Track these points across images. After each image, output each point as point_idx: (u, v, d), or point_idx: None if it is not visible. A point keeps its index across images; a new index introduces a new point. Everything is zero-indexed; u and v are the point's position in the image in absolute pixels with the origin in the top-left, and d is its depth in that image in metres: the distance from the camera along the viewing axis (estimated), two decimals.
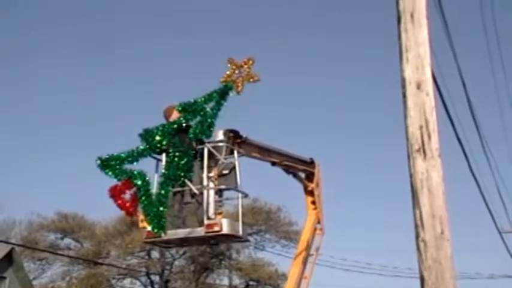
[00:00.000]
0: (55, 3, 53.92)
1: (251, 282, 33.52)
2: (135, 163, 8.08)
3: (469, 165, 10.10)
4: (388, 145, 46.27)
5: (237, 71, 8.41)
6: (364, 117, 52.78)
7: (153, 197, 7.89)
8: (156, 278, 32.93)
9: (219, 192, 8.20)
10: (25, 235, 33.05)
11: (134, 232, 27.90)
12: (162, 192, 7.90)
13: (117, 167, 7.92)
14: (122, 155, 8.01)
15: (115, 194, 7.81)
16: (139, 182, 7.89)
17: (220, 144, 8.29)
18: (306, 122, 52.75)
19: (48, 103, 51.44)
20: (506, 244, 19.82)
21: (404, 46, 4.52)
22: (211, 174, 8.07)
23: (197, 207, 8.04)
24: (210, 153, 8.11)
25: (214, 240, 8.64)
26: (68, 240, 34.30)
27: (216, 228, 7.82)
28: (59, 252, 32.14)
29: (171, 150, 8.08)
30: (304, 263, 11.40)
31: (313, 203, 11.81)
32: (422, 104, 4.38)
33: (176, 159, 7.98)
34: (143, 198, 7.85)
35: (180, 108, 8.42)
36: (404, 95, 4.47)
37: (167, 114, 8.47)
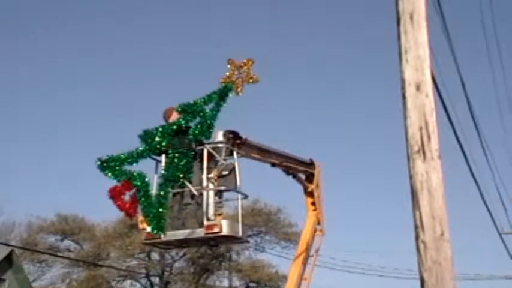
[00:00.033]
0: (55, 4, 53.98)
1: (251, 284, 33.51)
2: (134, 164, 8.09)
3: (469, 167, 10.11)
4: (388, 146, 46.27)
5: (236, 72, 8.42)
6: (364, 118, 52.78)
7: (153, 198, 7.89)
8: (156, 280, 32.93)
9: (218, 194, 8.20)
10: (25, 237, 33.02)
11: (134, 234, 27.88)
12: (162, 193, 7.90)
13: (117, 168, 7.92)
14: (122, 156, 8.01)
15: (115, 195, 7.81)
16: (138, 183, 7.89)
17: (220, 145, 8.29)
18: (306, 122, 52.77)
19: (48, 104, 51.48)
20: (506, 245, 19.84)
21: (404, 47, 4.52)
22: (210, 176, 8.07)
23: (197, 208, 8.04)
24: (209, 154, 8.10)
25: (214, 241, 8.65)
26: (67, 242, 34.32)
27: (216, 230, 7.82)
28: (59, 254, 32.13)
29: (170, 151, 8.08)
30: (304, 264, 11.40)
31: (313, 204, 11.81)
32: (422, 106, 4.38)
33: (176, 160, 7.98)
34: (143, 199, 7.85)
35: (179, 109, 8.43)
36: (404, 96, 4.47)
37: (167, 115, 8.48)
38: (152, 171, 8.25)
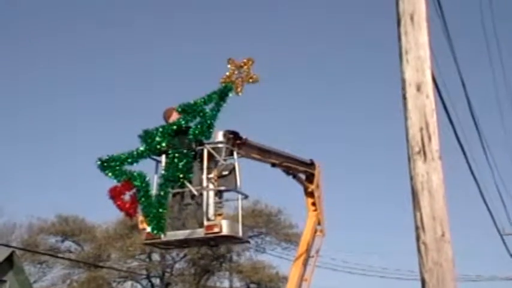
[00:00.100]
0: (55, 5, 53.98)
1: (252, 285, 33.50)
2: (135, 164, 8.09)
3: (470, 167, 10.10)
4: (388, 147, 46.23)
5: (236, 72, 8.42)
6: (364, 119, 52.77)
7: (153, 198, 7.89)
8: (156, 281, 32.92)
9: (218, 194, 8.20)
10: (25, 238, 33.02)
11: (135, 235, 27.87)
12: (162, 193, 7.91)
13: (117, 168, 7.93)
14: (122, 156, 8.02)
15: (115, 195, 7.82)
16: (139, 183, 7.89)
17: (220, 145, 8.29)
18: (306, 122, 52.76)
19: (48, 105, 51.47)
20: (507, 246, 19.83)
21: (404, 48, 4.52)
22: (210, 176, 8.07)
23: (197, 208, 8.04)
24: (209, 155, 8.10)
25: (214, 241, 8.64)
26: (68, 243, 34.32)
27: (216, 230, 7.82)
28: (60, 255, 32.12)
29: (170, 152, 8.08)
30: (305, 264, 11.39)
31: (314, 204, 11.81)
32: (423, 106, 4.38)
33: (176, 160, 7.98)
34: (143, 199, 7.86)
35: (179, 110, 8.43)
36: (404, 97, 4.46)
37: (167, 115, 8.48)
38: (152, 171, 8.26)
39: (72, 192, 45.85)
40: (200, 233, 7.93)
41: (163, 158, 8.18)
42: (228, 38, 50.81)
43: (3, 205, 40.18)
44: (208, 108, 8.30)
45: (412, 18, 4.55)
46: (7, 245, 27.43)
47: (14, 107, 50.66)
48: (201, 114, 8.24)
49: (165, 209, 7.89)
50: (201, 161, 8.10)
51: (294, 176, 11.50)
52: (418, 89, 4.41)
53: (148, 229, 7.88)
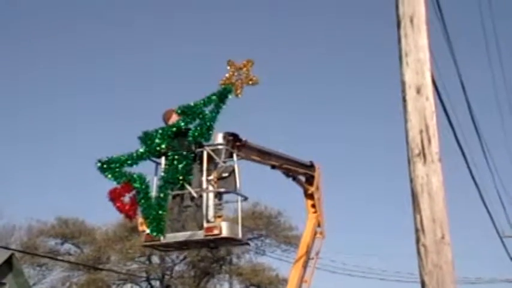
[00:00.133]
0: (55, 5, 53.95)
1: (251, 287, 33.47)
2: (134, 166, 8.09)
3: (469, 169, 10.12)
4: (388, 149, 46.23)
5: (236, 73, 8.42)
6: (364, 121, 52.76)
7: (153, 200, 7.89)
8: (156, 283, 32.88)
9: (218, 196, 8.21)
10: (25, 241, 32.97)
11: (134, 237, 27.86)
12: (161, 195, 7.91)
13: (117, 169, 7.93)
14: (122, 157, 8.02)
15: (114, 196, 7.81)
16: (138, 185, 7.89)
17: (220, 147, 8.30)
18: (306, 125, 52.73)
19: (48, 107, 51.39)
20: (507, 249, 19.83)
21: (404, 51, 4.53)
22: (210, 177, 8.09)
23: (196, 210, 8.04)
24: (209, 156, 8.11)
25: (214, 243, 8.65)
26: (67, 246, 34.26)
27: (216, 232, 7.83)
28: (59, 257, 32.08)
29: (170, 153, 8.08)
30: (305, 266, 11.40)
31: (313, 206, 11.82)
32: (423, 109, 4.38)
33: (175, 162, 7.99)
34: (142, 201, 7.86)
35: (179, 111, 8.43)
36: (404, 99, 4.47)
37: (166, 117, 8.48)
38: (152, 173, 8.27)
39: (71, 194, 45.86)
40: (200, 235, 7.93)
41: (162, 160, 8.18)
42: (227, 39, 50.82)
43: (3, 207, 40.12)
44: (207, 110, 8.30)
45: (411, 21, 4.56)
46: (6, 248, 27.39)
47: (13, 108, 50.64)
48: (201, 116, 8.25)
49: (165, 211, 7.89)
50: (201, 163, 8.10)
51: (294, 178, 11.51)
52: (418, 91, 4.42)
53: (148, 231, 7.89)
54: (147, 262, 32.49)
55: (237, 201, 8.39)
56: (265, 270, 32.81)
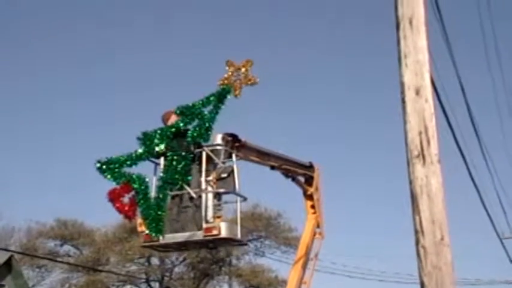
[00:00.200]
0: (55, 5, 53.93)
1: None
2: (133, 166, 8.10)
3: (469, 171, 10.12)
4: (388, 150, 46.23)
5: (235, 74, 8.42)
6: (364, 122, 52.78)
7: (152, 200, 7.90)
8: (156, 285, 32.85)
9: (217, 196, 8.21)
10: (24, 242, 32.92)
11: (134, 239, 27.83)
12: (161, 196, 7.92)
13: (116, 170, 7.93)
14: (121, 158, 8.02)
15: (114, 197, 7.82)
16: (137, 186, 7.90)
17: (219, 147, 8.30)
18: (305, 125, 52.73)
19: (47, 107, 51.36)
20: (507, 250, 19.83)
21: (403, 52, 4.53)
22: (209, 178, 8.09)
23: (195, 210, 8.04)
24: (208, 157, 8.11)
25: (213, 243, 8.64)
26: (67, 247, 34.22)
27: (215, 232, 7.83)
28: (58, 259, 32.04)
29: (169, 154, 8.09)
30: (304, 268, 11.39)
31: (313, 207, 11.82)
32: (422, 110, 4.39)
33: (174, 162, 7.99)
34: (141, 202, 7.86)
35: (178, 112, 8.43)
36: (403, 101, 4.47)
37: (165, 118, 8.49)
38: (151, 173, 8.27)
39: (71, 196, 45.82)
40: (199, 235, 7.93)
41: (161, 160, 8.19)
42: (227, 39, 50.83)
43: (2, 209, 40.02)
44: (206, 111, 8.30)
45: (411, 23, 4.57)
46: (6, 249, 27.36)
47: (13, 109, 50.64)
48: (200, 116, 8.25)
49: (164, 211, 7.89)
50: (200, 164, 8.11)
51: (293, 179, 11.50)
52: (417, 92, 4.42)
53: (147, 231, 7.89)
54: (147, 263, 32.47)
55: (236, 202, 8.39)
56: (264, 272, 32.80)
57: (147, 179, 8.04)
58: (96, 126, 49.84)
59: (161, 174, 8.11)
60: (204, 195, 8.00)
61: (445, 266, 4.07)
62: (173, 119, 8.41)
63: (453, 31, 7.88)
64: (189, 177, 8.05)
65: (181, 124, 8.27)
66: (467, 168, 9.86)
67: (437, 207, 4.17)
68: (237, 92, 8.36)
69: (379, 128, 50.58)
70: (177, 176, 7.97)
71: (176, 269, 33.12)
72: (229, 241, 8.49)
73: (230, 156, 8.45)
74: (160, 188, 7.99)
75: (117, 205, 7.83)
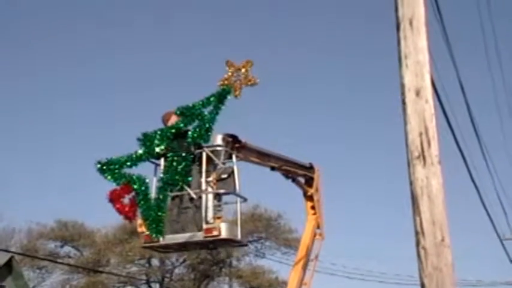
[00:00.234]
0: (55, 5, 53.92)
1: None
2: (134, 167, 8.10)
3: (469, 172, 10.11)
4: (388, 151, 46.21)
5: (235, 74, 8.41)
6: (364, 123, 52.75)
7: (152, 201, 7.90)
8: (156, 286, 32.85)
9: (217, 197, 8.22)
10: (25, 243, 32.93)
11: (134, 240, 27.82)
12: (161, 196, 7.92)
13: (116, 171, 7.94)
14: (121, 159, 8.03)
15: (114, 198, 7.82)
16: (138, 187, 7.90)
17: (219, 148, 8.30)
18: (305, 126, 52.69)
19: (47, 108, 51.36)
20: (507, 251, 19.82)
21: (404, 53, 4.53)
22: (209, 179, 8.10)
23: (195, 211, 8.04)
24: (208, 158, 8.11)
25: (213, 244, 8.65)
26: (67, 249, 34.23)
27: (215, 233, 7.83)
28: (59, 260, 32.03)
29: (169, 155, 8.09)
30: (304, 269, 11.38)
31: (313, 208, 11.82)
32: (422, 111, 4.38)
33: (174, 163, 7.99)
34: (142, 202, 7.87)
35: (178, 112, 8.43)
36: (403, 102, 4.47)
37: (165, 118, 8.49)
38: (152, 174, 8.27)
39: (71, 197, 45.79)
40: (199, 236, 7.93)
41: (162, 161, 8.19)
42: (227, 39, 50.81)
43: (3, 210, 39.98)
44: (206, 111, 8.30)
45: (411, 23, 4.56)
46: (6, 250, 27.35)
47: (13, 109, 50.62)
48: (200, 117, 8.25)
49: (164, 212, 7.90)
50: (200, 164, 8.11)
51: (293, 180, 11.50)
52: (418, 93, 4.42)
53: (147, 232, 7.89)
54: (147, 265, 32.47)
55: (236, 203, 8.39)
56: (265, 273, 32.79)
57: (147, 180, 8.05)
58: (96, 126, 49.83)
59: (161, 175, 8.11)
60: (204, 196, 8.00)
61: (446, 267, 4.06)
62: (173, 119, 8.40)
63: (453, 32, 7.88)
64: (189, 178, 8.05)
65: (182, 125, 8.26)
66: (468, 169, 9.86)
67: (438, 208, 4.17)
68: (237, 93, 8.36)
69: (379, 128, 50.59)
70: (177, 177, 7.97)
71: (176, 270, 33.14)
72: (229, 242, 8.50)
73: (230, 157, 8.45)
74: (160, 189, 7.99)
75: (118, 206, 7.84)
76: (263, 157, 9.87)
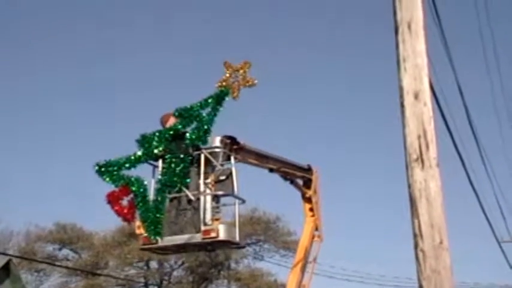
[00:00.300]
0: (55, 5, 53.89)
1: None
2: (132, 169, 8.11)
3: (467, 175, 10.13)
4: (387, 154, 46.23)
5: (233, 75, 8.41)
6: (363, 126, 52.76)
7: (150, 203, 7.90)
8: None
9: (215, 199, 8.22)
10: (23, 246, 32.87)
11: (132, 242, 27.79)
12: (159, 198, 7.93)
13: (115, 172, 7.95)
14: (120, 160, 8.04)
15: (112, 200, 7.83)
16: (136, 188, 7.91)
17: (217, 150, 8.30)
18: (304, 128, 52.71)
19: (47, 108, 51.29)
20: (506, 254, 19.83)
21: (402, 56, 4.54)
22: (207, 181, 8.10)
23: (194, 213, 8.04)
24: (206, 159, 8.12)
25: (211, 246, 8.65)
26: (65, 251, 34.18)
27: (213, 235, 7.83)
28: (57, 263, 31.98)
29: (167, 156, 8.10)
30: (303, 271, 11.38)
31: (311, 210, 11.82)
32: (420, 114, 4.40)
33: (172, 165, 8.00)
34: (140, 204, 7.88)
35: (176, 114, 8.44)
36: (402, 105, 4.48)
37: (164, 120, 8.49)
38: (150, 176, 8.28)
39: (70, 200, 45.69)
40: (197, 238, 7.94)
41: (160, 163, 8.19)
42: (227, 39, 50.75)
43: (1, 212, 40.04)
44: (205, 113, 8.30)
45: (409, 27, 4.58)
46: (4, 253, 27.30)
47: (13, 109, 50.53)
48: (198, 118, 8.25)
49: (162, 214, 7.90)
50: (198, 166, 8.11)
51: (292, 182, 11.50)
52: (416, 97, 4.43)
53: (146, 234, 7.89)
54: (145, 267, 32.42)
55: (234, 204, 8.39)
56: (263, 276, 32.76)
57: (145, 182, 8.06)
58: (96, 127, 49.75)
59: (160, 177, 8.12)
60: (202, 198, 8.00)
61: (444, 270, 4.07)
62: (171, 121, 8.41)
63: (452, 35, 7.91)
64: (188, 180, 8.05)
65: (180, 126, 8.27)
66: (466, 172, 9.87)
67: (436, 211, 4.18)
68: (235, 94, 8.36)
69: (378, 130, 50.58)
70: (175, 179, 7.97)
71: (175, 273, 33.09)
72: (227, 243, 8.50)
73: (228, 159, 8.46)
74: (158, 191, 8.00)
75: (116, 208, 7.85)
76: (261, 159, 9.87)
